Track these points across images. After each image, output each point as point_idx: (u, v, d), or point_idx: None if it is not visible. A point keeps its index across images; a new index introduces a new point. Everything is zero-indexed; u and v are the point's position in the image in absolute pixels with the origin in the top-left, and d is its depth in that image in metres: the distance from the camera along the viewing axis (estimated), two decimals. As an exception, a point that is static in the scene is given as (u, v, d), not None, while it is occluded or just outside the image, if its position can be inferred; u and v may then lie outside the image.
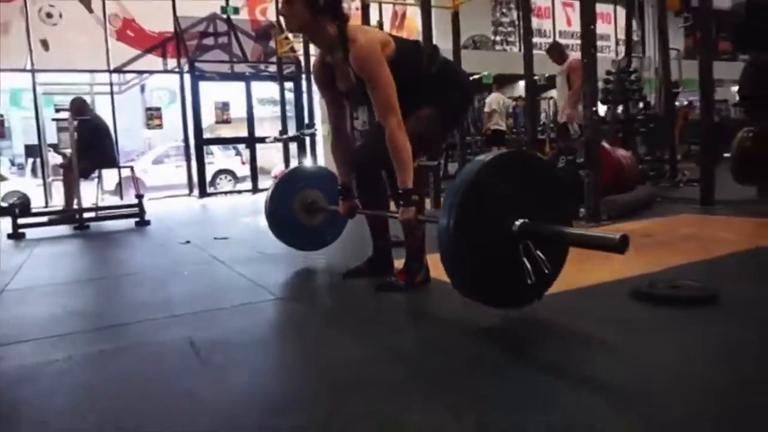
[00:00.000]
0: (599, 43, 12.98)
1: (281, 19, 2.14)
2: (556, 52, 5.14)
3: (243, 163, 11.80)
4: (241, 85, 9.08)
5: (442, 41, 11.15)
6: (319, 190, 2.69)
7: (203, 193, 8.93)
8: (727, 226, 3.19)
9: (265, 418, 1.09)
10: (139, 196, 5.22)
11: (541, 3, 12.71)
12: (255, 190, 9.30)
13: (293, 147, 8.45)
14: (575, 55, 5.00)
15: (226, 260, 2.94)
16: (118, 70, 9.02)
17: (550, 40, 12.84)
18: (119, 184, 9.67)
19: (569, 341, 1.50)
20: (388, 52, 1.98)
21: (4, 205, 7.17)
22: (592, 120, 3.46)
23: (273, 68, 9.29)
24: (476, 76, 11.25)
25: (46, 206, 8.15)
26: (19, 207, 6.34)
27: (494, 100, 8.47)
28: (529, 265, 1.51)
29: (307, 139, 8.12)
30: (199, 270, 2.80)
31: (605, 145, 4.18)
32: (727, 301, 1.71)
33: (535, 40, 12.76)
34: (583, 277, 2.04)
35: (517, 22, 12.22)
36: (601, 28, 12.81)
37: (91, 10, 8.59)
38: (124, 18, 8.81)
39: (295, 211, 2.69)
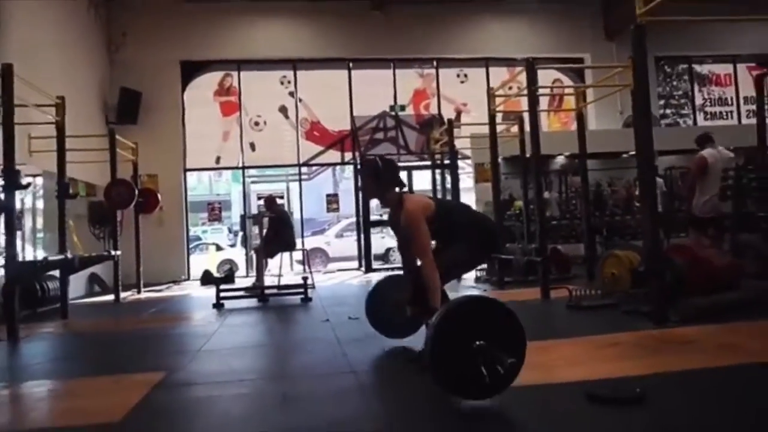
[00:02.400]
0: (720, 108, 12.04)
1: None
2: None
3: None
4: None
5: (602, 120, 11.38)
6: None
7: (368, 269, 10.43)
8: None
9: None
10: (305, 278, 6.72)
11: (721, 69, 12.28)
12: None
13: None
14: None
15: (344, 340, 4.06)
16: (305, 164, 11.24)
17: (733, 108, 12.26)
18: (304, 259, 11.76)
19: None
20: (429, 212, 3.03)
21: (218, 275, 9.48)
22: (651, 225, 3.91)
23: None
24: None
25: (247, 274, 10.40)
26: (226, 279, 8.48)
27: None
28: (485, 371, 2.31)
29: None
30: (317, 345, 3.97)
31: (689, 245, 4.47)
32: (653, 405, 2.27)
33: (717, 109, 12.32)
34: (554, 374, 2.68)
35: (690, 93, 11.99)
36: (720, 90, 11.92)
37: (287, 117, 11.02)
38: (312, 121, 11.08)
39: (387, 307, 3.70)
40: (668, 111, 11.99)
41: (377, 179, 3.12)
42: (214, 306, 6.17)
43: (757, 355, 3.00)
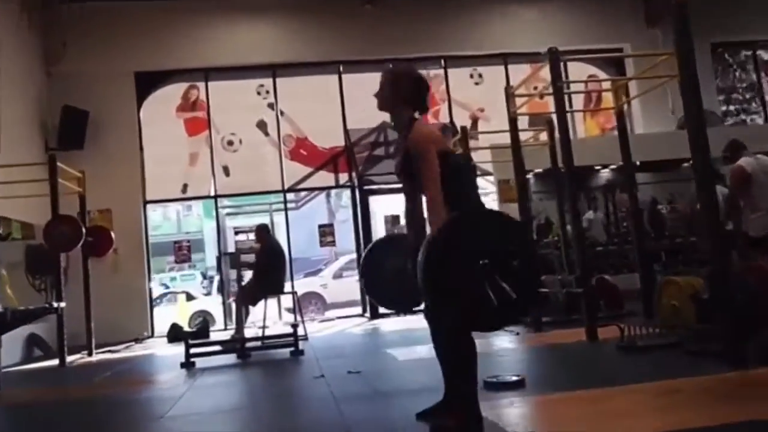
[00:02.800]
0: None
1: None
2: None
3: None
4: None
5: (650, 122, 11.44)
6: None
7: (374, 314, 10.35)
8: None
9: None
10: (294, 326, 6.67)
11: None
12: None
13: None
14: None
15: (341, 397, 4.01)
16: (291, 189, 11.31)
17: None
18: (294, 306, 11.73)
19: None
20: (440, 147, 3.01)
21: (187, 329, 9.45)
22: (712, 235, 3.88)
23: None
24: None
25: (225, 327, 10.36)
26: (199, 333, 8.45)
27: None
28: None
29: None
30: (308, 405, 3.92)
31: (760, 263, 4.42)
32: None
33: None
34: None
35: (757, 85, 12.05)
36: None
37: (267, 133, 11.13)
38: (297, 137, 11.18)
39: (386, 274, 3.63)
40: (732, 107, 12.03)
41: (397, 88, 3.16)
42: (183, 365, 6.12)
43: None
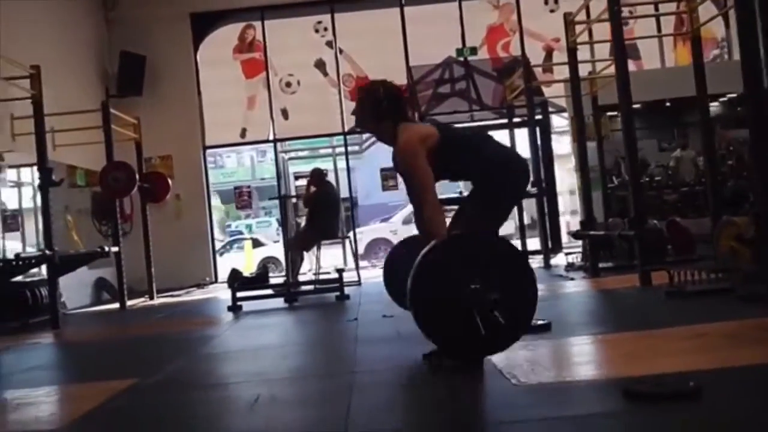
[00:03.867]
0: None
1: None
2: None
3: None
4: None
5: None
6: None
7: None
8: None
9: None
10: (340, 271, 6.94)
11: None
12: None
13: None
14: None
15: (363, 339, 4.23)
16: (352, 132, 11.48)
17: None
18: (355, 252, 12.06)
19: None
20: (430, 142, 3.11)
21: (248, 276, 9.95)
22: (763, 177, 3.75)
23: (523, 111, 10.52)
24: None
25: (285, 274, 10.82)
26: (257, 279, 8.90)
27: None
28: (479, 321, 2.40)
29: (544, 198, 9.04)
30: (329, 346, 4.17)
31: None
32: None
33: None
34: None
35: None
36: None
37: (326, 73, 11.29)
38: (357, 77, 11.28)
39: (404, 274, 3.79)
40: None
41: (374, 107, 3.27)
42: (230, 309, 6.53)
43: None
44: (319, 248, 8.44)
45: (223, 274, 10.94)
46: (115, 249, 7.35)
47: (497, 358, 3.16)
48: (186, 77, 10.91)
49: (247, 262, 13.25)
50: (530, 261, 2.58)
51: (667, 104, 10.44)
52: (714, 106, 10.71)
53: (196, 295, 9.39)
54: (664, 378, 2.54)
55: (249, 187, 12.35)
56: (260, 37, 11.25)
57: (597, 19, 6.64)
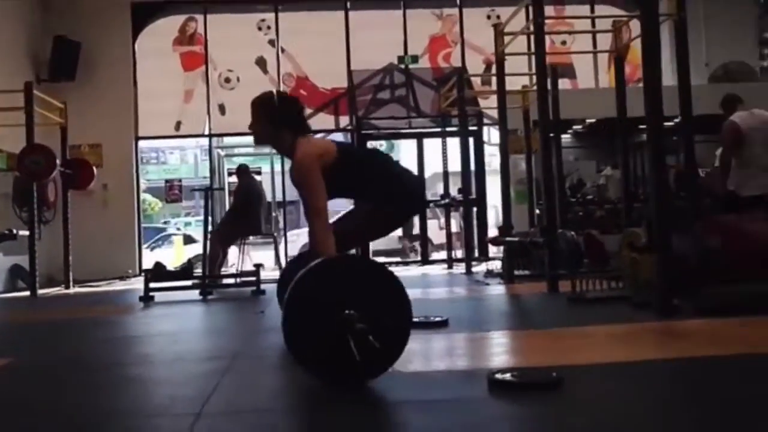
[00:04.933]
0: None
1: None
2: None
3: (441, 228, 13.14)
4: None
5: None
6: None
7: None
8: None
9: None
10: (257, 266, 6.86)
11: None
12: (424, 261, 10.66)
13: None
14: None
15: (264, 329, 4.17)
16: (289, 131, 11.40)
17: None
18: (285, 250, 11.96)
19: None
20: (328, 159, 3.02)
21: (171, 269, 9.73)
22: (657, 191, 3.87)
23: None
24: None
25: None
26: (181, 274, 8.71)
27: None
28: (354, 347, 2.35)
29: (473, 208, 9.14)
30: (223, 334, 4.10)
31: (725, 218, 4.38)
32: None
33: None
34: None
35: (801, 38, 11.57)
36: None
37: (266, 71, 11.20)
38: (297, 77, 11.23)
39: None
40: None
41: (269, 116, 3.12)
42: (141, 299, 6.38)
43: (759, 346, 2.94)
44: (244, 244, 8.33)
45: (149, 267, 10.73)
46: (24, 233, 7.09)
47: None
48: (122, 66, 10.67)
49: (176, 257, 12.99)
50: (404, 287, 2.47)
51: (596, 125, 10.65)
52: (643, 127, 11.05)
53: (117, 286, 9.15)
54: (528, 370, 2.57)
55: (180, 180, 12.13)
56: (201, 31, 11.11)
57: (522, 32, 6.76)
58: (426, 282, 7.65)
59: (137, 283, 9.34)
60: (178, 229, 21.29)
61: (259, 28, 11.25)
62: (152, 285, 6.54)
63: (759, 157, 5.36)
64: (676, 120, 9.98)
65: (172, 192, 11.32)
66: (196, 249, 14.46)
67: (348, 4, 11.25)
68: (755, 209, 5.23)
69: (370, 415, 2.21)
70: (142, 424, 2.12)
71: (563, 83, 9.79)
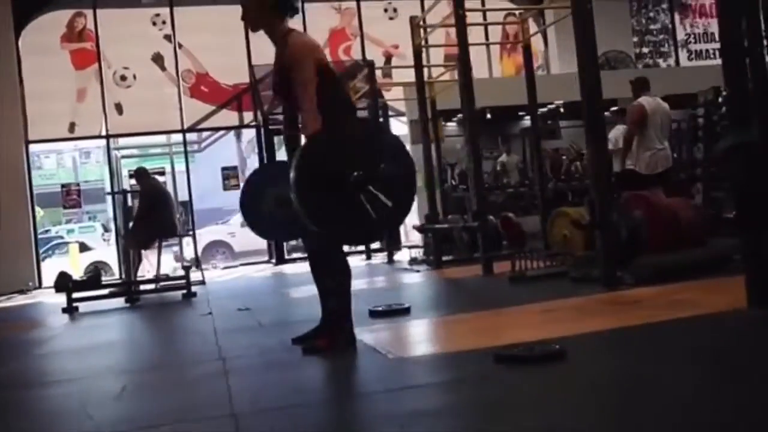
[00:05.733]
0: (706, 46, 12.81)
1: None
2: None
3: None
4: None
5: (566, 64, 11.56)
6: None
7: (280, 260, 10.46)
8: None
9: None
10: (186, 268, 6.69)
11: (705, -1, 12.91)
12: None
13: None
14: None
15: (223, 330, 4.10)
16: (192, 129, 11.10)
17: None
18: (196, 252, 11.64)
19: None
20: (319, 57, 3.04)
21: (77, 278, 9.26)
22: (597, 170, 4.17)
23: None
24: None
25: (120, 277, 10.18)
26: (89, 283, 8.31)
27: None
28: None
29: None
30: (187, 338, 4.01)
31: (647, 194, 4.78)
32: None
33: (703, 46, 12.97)
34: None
35: (670, 27, 12.54)
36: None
37: (164, 68, 10.82)
38: (197, 73, 10.93)
39: (267, 203, 3.67)
40: (645, 50, 12.49)
41: (269, 4, 3.08)
42: (65, 310, 6.07)
43: (708, 307, 3.25)
44: (160, 247, 8.06)
45: (48, 279, 10.12)
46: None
47: (367, 337, 3.23)
48: (6, 65, 9.92)
49: (73, 266, 12.31)
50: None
51: (488, 115, 11.00)
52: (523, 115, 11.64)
53: (19, 300, 8.61)
54: (530, 344, 2.72)
55: (78, 185, 11.49)
56: (92, 26, 10.54)
57: (442, 24, 6.95)
58: (357, 273, 7.71)
59: (40, 296, 8.87)
60: (61, 237, 20.18)
61: (154, 23, 10.84)
62: (77, 296, 6.23)
63: (657, 139, 5.86)
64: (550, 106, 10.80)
65: (70, 198, 10.68)
66: (93, 256, 13.86)
67: (245, -2, 11.04)
68: (654, 186, 5.72)
69: (400, 402, 2.27)
70: (187, 429, 2.08)
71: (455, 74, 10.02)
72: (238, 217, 15.67)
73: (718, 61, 12.00)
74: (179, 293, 6.46)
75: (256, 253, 12.80)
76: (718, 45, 12.95)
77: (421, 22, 6.98)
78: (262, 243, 13.42)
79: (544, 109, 10.73)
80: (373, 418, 2.11)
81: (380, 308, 4.11)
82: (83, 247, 14.26)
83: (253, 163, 15.55)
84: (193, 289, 6.48)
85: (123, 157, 11.66)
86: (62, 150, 24.45)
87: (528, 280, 5.01)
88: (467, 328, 3.49)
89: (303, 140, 3.00)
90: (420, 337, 3.39)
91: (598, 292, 4.06)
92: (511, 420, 1.91)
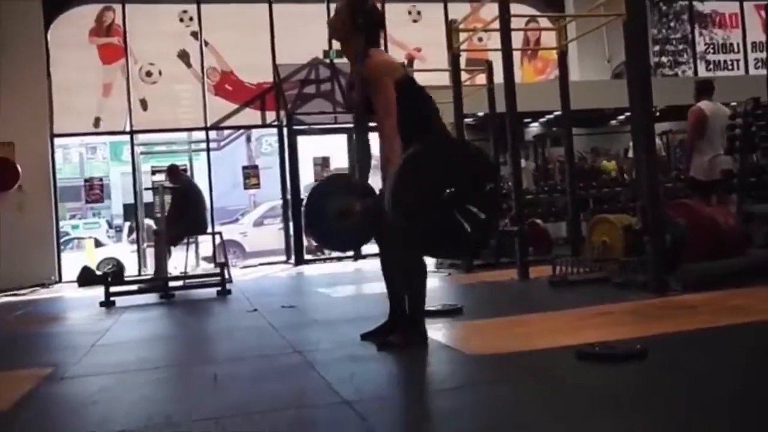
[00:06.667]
0: (724, 57, 12.99)
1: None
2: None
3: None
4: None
5: (586, 71, 11.74)
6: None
7: (299, 260, 10.55)
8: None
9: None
10: (221, 265, 6.81)
11: (726, 8, 13.06)
12: (357, 256, 10.79)
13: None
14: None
15: (280, 326, 4.23)
16: (215, 127, 11.23)
17: (740, 56, 13.11)
18: (213, 251, 11.75)
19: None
20: (398, 75, 3.17)
21: (99, 273, 9.39)
22: (649, 177, 4.31)
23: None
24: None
25: (139, 274, 10.30)
26: (113, 275, 8.41)
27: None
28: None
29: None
30: (248, 332, 4.14)
31: (689, 203, 4.91)
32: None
33: (721, 57, 13.14)
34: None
35: (690, 37, 12.70)
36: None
37: (189, 65, 10.95)
38: (222, 71, 11.05)
39: (329, 215, 3.81)
40: (664, 59, 12.65)
41: (352, 15, 3.25)
42: (102, 304, 6.18)
43: (759, 314, 3.39)
44: (188, 244, 8.19)
45: (67, 273, 10.24)
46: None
47: (436, 334, 3.36)
48: (34, 58, 10.04)
49: (90, 261, 12.42)
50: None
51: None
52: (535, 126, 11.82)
53: (43, 294, 8.72)
54: (609, 343, 2.85)
55: (101, 179, 11.59)
56: (120, 22, 10.67)
57: (484, 28, 7.07)
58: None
59: (61, 290, 8.99)
60: (67, 233, 20.27)
61: (181, 20, 10.96)
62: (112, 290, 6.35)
63: (716, 143, 5.95)
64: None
65: (93, 192, 10.79)
66: (105, 252, 13.98)
67: (271, -3, 11.20)
68: (714, 191, 5.85)
69: (497, 394, 2.40)
70: (309, 414, 2.21)
71: (482, 79, 10.12)
72: (249, 217, 15.85)
73: (735, 72, 12.12)
74: (212, 290, 6.57)
75: (268, 254, 12.94)
76: (736, 56, 13.21)
77: (460, 26, 7.09)
78: (273, 243, 13.60)
79: (551, 116, 10.95)
80: (480, 407, 2.24)
81: (434, 308, 4.24)
82: (97, 243, 14.35)
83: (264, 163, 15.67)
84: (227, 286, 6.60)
85: (142, 153, 11.76)
86: (68, 145, 24.51)
87: (570, 285, 5.14)
88: (530, 328, 3.61)
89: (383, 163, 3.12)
90: (487, 335, 3.51)
91: (649, 297, 4.19)
92: (614, 413, 2.04)
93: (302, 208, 3.99)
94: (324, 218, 3.78)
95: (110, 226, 22.70)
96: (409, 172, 2.77)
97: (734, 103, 6.03)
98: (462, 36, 7.19)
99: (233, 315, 5.13)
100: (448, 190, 2.74)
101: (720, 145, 5.92)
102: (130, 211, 18.01)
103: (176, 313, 5.64)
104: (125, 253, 12.98)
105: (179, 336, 4.33)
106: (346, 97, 3.64)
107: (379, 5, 10.78)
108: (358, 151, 3.58)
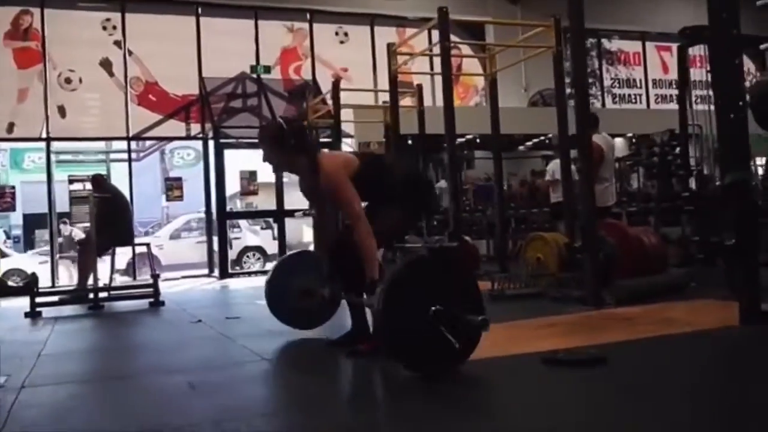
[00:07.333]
0: (627, 91, 14.07)
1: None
2: None
3: (275, 238, 13.29)
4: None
5: (503, 98, 12.25)
6: (315, 273, 3.87)
7: (224, 274, 10.38)
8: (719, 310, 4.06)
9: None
10: (155, 276, 6.65)
11: (630, 48, 13.99)
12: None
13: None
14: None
15: (234, 336, 4.20)
16: (137, 138, 10.95)
17: (642, 91, 14.05)
18: (132, 263, 11.38)
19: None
20: (351, 170, 3.29)
21: (16, 284, 8.92)
22: (588, 201, 4.60)
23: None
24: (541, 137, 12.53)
25: (52, 285, 9.82)
26: (29, 287, 8.01)
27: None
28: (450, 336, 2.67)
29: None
30: (203, 342, 4.09)
31: (617, 223, 5.27)
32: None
33: (625, 91, 14.04)
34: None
35: (598, 72, 13.50)
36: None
37: (111, 74, 10.64)
38: (147, 81, 10.81)
39: (292, 294, 3.87)
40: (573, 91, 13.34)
41: (280, 146, 3.31)
42: (28, 315, 5.90)
43: (700, 325, 3.69)
44: (113, 254, 7.93)
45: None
46: None
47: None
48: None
49: (-6, 272, 11.74)
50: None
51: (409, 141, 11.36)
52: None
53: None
54: (571, 350, 3.04)
55: (13, 187, 10.95)
56: (38, 26, 10.25)
57: (421, 53, 7.29)
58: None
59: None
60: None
61: (104, 28, 10.67)
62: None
63: (608, 173, 6.42)
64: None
65: (4, 200, 10.22)
66: (10, 263, 13.23)
67: (199, 10, 11.09)
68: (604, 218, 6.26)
69: (496, 395, 2.52)
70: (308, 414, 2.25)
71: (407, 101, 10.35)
72: (166, 230, 15.44)
73: (638, 106, 13.02)
74: (143, 302, 6.40)
75: (185, 267, 12.63)
76: (639, 90, 14.14)
77: (398, 50, 7.29)
78: (191, 257, 13.34)
79: (462, 140, 11.38)
80: (472, 407, 2.36)
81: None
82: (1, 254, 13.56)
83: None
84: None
85: (58, 162, 11.29)
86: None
87: (507, 299, 5.35)
88: (488, 337, 3.75)
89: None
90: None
91: (586, 310, 4.44)
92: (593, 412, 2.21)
93: (265, 284, 3.99)
94: (287, 297, 3.81)
95: (8, 236, 21.50)
96: (395, 292, 2.76)
97: (630, 135, 6.56)
98: (400, 59, 7.36)
99: (178, 326, 5.02)
100: (433, 308, 2.73)
101: (612, 175, 6.40)
102: (33, 222, 17.16)
103: (113, 324, 5.49)
104: (32, 264, 12.35)
105: (131, 346, 4.22)
106: (299, 183, 3.68)
107: (307, 25, 10.92)
108: (316, 228, 3.66)
